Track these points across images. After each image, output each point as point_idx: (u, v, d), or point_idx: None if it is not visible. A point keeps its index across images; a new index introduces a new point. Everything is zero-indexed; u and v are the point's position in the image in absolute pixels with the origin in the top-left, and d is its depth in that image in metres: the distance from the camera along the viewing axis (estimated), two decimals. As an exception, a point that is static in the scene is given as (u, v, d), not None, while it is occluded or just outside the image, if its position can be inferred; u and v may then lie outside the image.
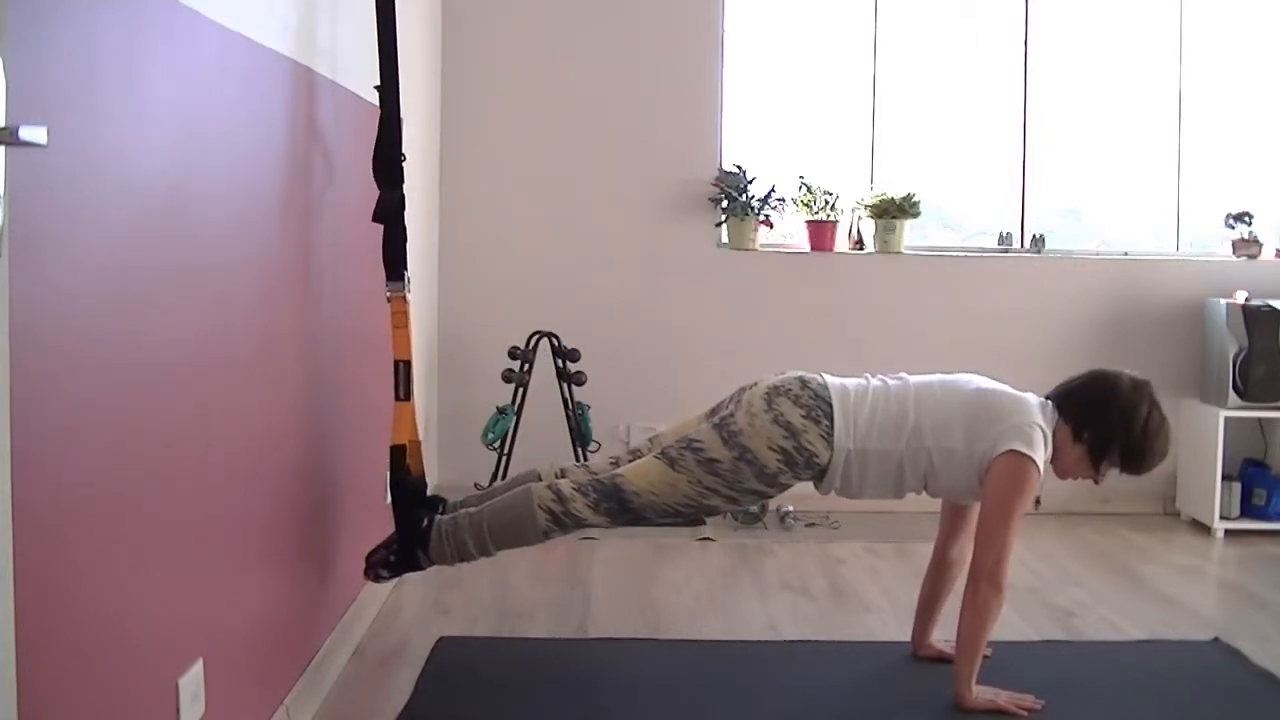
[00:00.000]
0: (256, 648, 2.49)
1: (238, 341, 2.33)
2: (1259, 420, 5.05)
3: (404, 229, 3.03)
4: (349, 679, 3.07)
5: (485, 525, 2.96)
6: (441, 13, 5.09)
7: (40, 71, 1.53)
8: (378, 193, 3.01)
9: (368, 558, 3.05)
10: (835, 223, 5.21)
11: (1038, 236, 5.34)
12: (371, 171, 3.01)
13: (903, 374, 3.06)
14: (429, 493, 3.12)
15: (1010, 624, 3.47)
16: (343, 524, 3.19)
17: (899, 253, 5.19)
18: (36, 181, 1.52)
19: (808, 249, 5.25)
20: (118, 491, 1.79)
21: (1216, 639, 3.48)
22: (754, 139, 5.32)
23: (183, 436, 2.04)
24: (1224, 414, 4.78)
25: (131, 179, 1.84)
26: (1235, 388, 4.78)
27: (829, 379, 2.98)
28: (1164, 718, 2.90)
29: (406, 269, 3.02)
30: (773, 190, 5.14)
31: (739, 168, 5.13)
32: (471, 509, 3.03)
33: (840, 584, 4.04)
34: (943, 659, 3.15)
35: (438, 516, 3.01)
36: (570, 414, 4.82)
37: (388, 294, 3.00)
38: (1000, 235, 5.41)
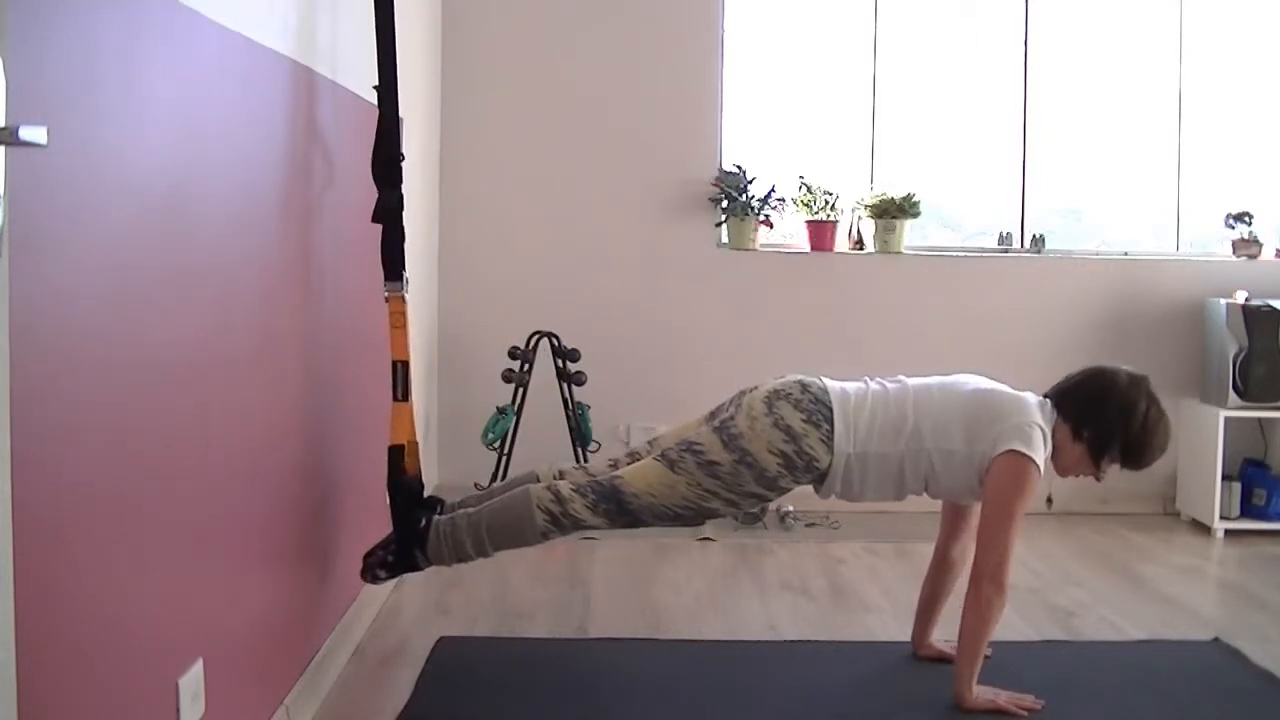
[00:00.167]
0: (256, 648, 2.49)
1: (238, 341, 2.33)
2: (1259, 420, 5.05)
3: (402, 229, 3.03)
4: (349, 679, 3.07)
5: (483, 526, 2.96)
6: (441, 13, 5.09)
7: (40, 71, 1.53)
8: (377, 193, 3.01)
9: (365, 558, 3.04)
10: (835, 223, 5.21)
11: (1038, 236, 5.34)
12: (371, 171, 3.01)
13: (901, 376, 3.06)
14: (426, 494, 3.12)
15: (1010, 624, 3.46)
16: (343, 524, 3.19)
17: (899, 253, 5.19)
18: (36, 181, 1.52)
19: (808, 249, 5.24)
20: (118, 491, 1.79)
21: (1216, 639, 3.48)
22: (754, 139, 5.32)
23: (183, 436, 2.04)
24: (1224, 414, 4.78)
25: (131, 179, 1.84)
26: (1235, 388, 4.78)
27: (829, 383, 2.98)
28: (1164, 718, 2.90)
29: (405, 269, 3.02)
30: (773, 190, 5.13)
31: (739, 168, 5.13)
32: (470, 510, 3.02)
33: (840, 584, 4.04)
34: (943, 659, 3.15)
35: (436, 517, 3.00)
36: (570, 414, 4.82)
37: (386, 294, 3.00)
38: (1000, 235, 5.41)
